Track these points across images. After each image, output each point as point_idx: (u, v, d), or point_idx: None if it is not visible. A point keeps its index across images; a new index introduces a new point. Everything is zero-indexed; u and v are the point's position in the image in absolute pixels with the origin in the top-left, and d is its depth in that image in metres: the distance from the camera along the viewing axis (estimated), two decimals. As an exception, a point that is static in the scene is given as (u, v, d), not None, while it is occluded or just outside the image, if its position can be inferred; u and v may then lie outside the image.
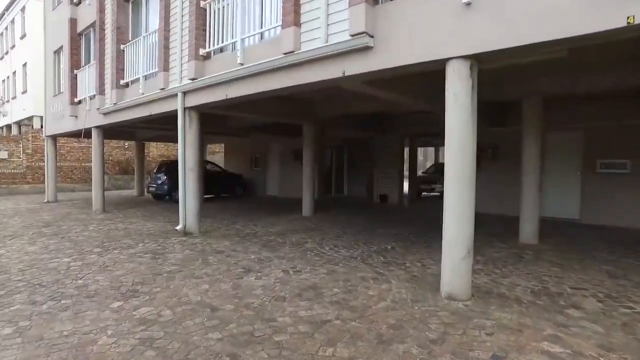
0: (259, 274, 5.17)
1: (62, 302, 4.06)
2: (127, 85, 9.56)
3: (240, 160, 18.91)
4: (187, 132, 7.73)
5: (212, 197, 16.05)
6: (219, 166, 17.03)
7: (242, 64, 6.37)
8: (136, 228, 8.61)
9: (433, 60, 4.38)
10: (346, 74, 5.08)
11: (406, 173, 16.23)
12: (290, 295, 4.33)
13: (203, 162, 14.54)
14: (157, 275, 5.05)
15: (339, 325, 3.56)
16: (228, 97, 6.74)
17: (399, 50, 4.60)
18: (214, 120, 12.64)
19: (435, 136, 16.51)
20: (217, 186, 16.05)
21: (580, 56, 5.75)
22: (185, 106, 7.61)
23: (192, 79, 7.22)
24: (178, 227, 7.83)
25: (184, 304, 4.06)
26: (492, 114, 10.11)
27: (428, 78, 7.32)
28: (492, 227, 8.84)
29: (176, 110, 7.68)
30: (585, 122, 9.81)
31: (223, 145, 21.22)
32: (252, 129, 14.10)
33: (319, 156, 15.42)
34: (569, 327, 3.55)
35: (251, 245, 6.95)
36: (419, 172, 18.95)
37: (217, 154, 27.03)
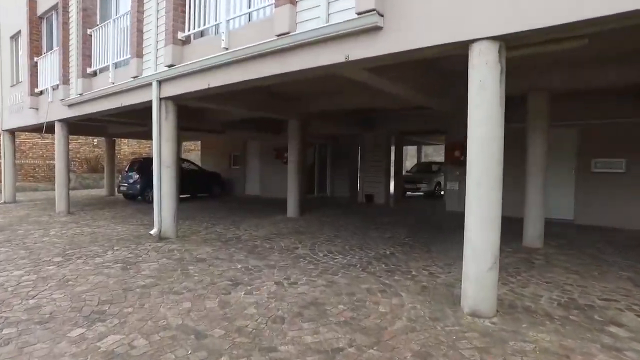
0: (248, 287, 4.48)
1: (4, 332, 3.27)
2: (94, 74, 8.64)
3: (217, 158, 18.03)
4: (163, 126, 6.94)
5: (189, 197, 15.16)
6: (195, 164, 16.13)
7: (226, 49, 5.66)
8: (105, 232, 7.74)
9: (454, 42, 3.80)
10: (350, 59, 4.45)
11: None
12: (290, 315, 3.68)
13: (179, 160, 13.67)
14: (128, 291, 4.29)
15: (354, 355, 2.94)
16: (210, 86, 6.01)
17: (413, 31, 4.00)
18: (190, 115, 11.81)
19: (423, 134, 16.13)
20: (193, 185, 15.18)
21: (600, 46, 5.33)
22: (161, 96, 6.82)
23: (169, 66, 6.45)
24: (152, 232, 7.03)
25: (162, 329, 3.35)
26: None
27: (434, 68, 6.84)
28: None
29: (150, 102, 6.88)
30: (580, 119, 9.53)
31: (199, 143, 20.24)
32: (230, 125, 13.30)
33: (304, 154, 14.76)
34: (621, 351, 3.04)
35: (236, 251, 6.24)
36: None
37: (192, 152, 25.95)
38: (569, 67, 6.37)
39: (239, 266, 5.37)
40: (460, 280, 4.03)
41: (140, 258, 5.69)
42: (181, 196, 14.49)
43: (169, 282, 4.59)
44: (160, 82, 6.75)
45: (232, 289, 4.41)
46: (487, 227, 3.72)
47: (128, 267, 5.22)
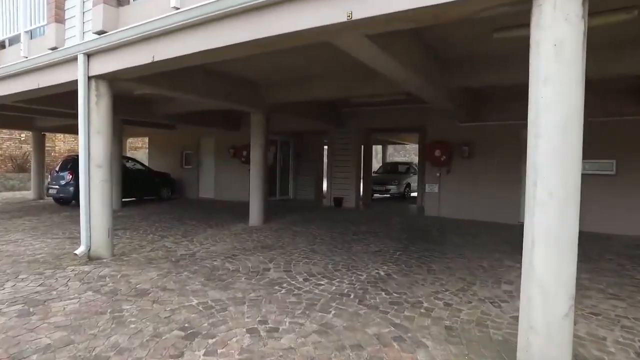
0: (210, 340, 3.11)
1: None
2: (2, 45, 6.81)
3: (167, 156, 16.18)
4: (92, 114, 5.36)
5: (135, 201, 13.30)
6: (141, 163, 14.25)
7: (177, 8, 4.23)
8: (14, 251, 5.99)
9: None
10: (353, 18, 3.21)
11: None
12: (279, 399, 2.36)
13: (121, 158, 11.84)
14: None
15: None
16: (155, 59, 4.54)
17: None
18: (134, 105, 10.10)
19: (397, 132, 15.19)
20: (139, 187, 13.35)
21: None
22: (90, 74, 5.23)
23: (100, 33, 4.90)
24: (78, 251, 5.43)
25: None
26: (464, 107, 8.79)
27: (435, 51, 5.69)
28: (481, 237, 7.49)
29: (76, 81, 5.28)
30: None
31: (147, 139, 18.20)
32: (181, 119, 11.66)
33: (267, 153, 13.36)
34: None
35: (190, 277, 4.80)
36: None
37: (140, 150, 23.68)
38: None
39: (195, 302, 3.96)
40: (491, 316, 2.91)
41: (54, 293, 4.12)
42: (125, 199, 12.73)
43: (90, 338, 3.11)
44: (88, 56, 5.16)
45: (185, 345, 3.02)
46: (562, 257, 2.59)
47: (32, 309, 3.66)
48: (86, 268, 5.06)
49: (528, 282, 2.69)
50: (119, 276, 4.75)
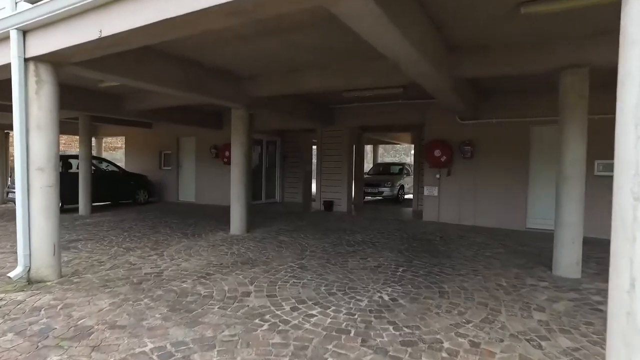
0: (158, 417, 2.19)
1: None
2: None
3: (145, 157, 15.10)
4: (32, 105, 4.37)
5: (109, 205, 12.23)
6: (116, 165, 13.17)
7: (128, -33, 3.29)
8: (-59, 271, 4.96)
9: None
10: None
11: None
12: None
13: (90, 159, 10.79)
14: None
15: None
16: (103, 34, 3.59)
17: None
18: (101, 100, 9.08)
19: (391, 130, 14.37)
20: (113, 190, 12.29)
21: None
22: (28, 56, 4.25)
23: (34, 1, 3.92)
24: (13, 273, 4.43)
25: None
26: (467, 102, 7.99)
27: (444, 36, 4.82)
28: (494, 247, 6.68)
29: (9, 65, 4.29)
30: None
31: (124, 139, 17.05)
32: (156, 116, 10.66)
33: (251, 153, 12.43)
34: None
35: (150, 306, 3.86)
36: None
37: (119, 150, 22.45)
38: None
39: (150, 346, 3.03)
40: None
41: (-39, 337, 3.14)
42: (97, 204, 11.67)
43: (-18, 419, 2.17)
44: (24, 33, 4.18)
45: None
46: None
47: None
48: (20, 296, 4.07)
49: (623, 336, 1.83)
50: (59, 307, 3.78)
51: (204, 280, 4.74)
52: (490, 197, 8.92)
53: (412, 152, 34.82)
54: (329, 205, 11.50)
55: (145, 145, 15.06)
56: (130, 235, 7.51)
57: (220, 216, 9.86)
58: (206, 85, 6.67)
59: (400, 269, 5.35)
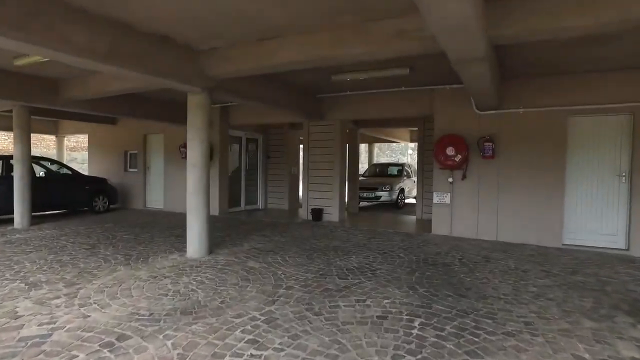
0: None
1: None
2: None
3: (109, 158, 13.20)
4: None
5: (57, 215, 10.34)
6: (68, 167, 11.27)
7: None
8: None
9: None
10: None
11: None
12: None
13: (30, 159, 8.96)
14: None
15: None
16: None
17: None
18: (33, 86, 7.25)
19: (389, 125, 12.59)
20: (64, 197, 10.41)
21: None
22: None
23: None
24: None
25: None
26: (474, 94, 6.27)
27: None
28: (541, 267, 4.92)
29: None
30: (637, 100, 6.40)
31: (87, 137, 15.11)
32: (115, 107, 8.82)
33: (224, 152, 10.60)
34: None
35: None
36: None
37: (77, 152, 20.53)
38: None
39: None
40: None
41: None
42: (41, 213, 9.82)
43: None
44: None
45: None
46: None
47: None
48: None
49: None
50: None
51: (107, 353, 2.93)
52: (517, 206, 7.18)
53: (410, 151, 33.09)
54: (317, 213, 9.70)
55: (109, 145, 13.17)
56: (54, 261, 5.67)
57: (185, 228, 8.03)
58: (142, 57, 4.85)
59: (417, 323, 3.57)
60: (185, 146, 10.97)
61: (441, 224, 7.85)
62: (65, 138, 15.43)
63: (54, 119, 13.58)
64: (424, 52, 4.48)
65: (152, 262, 5.68)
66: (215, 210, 10.67)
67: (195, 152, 5.97)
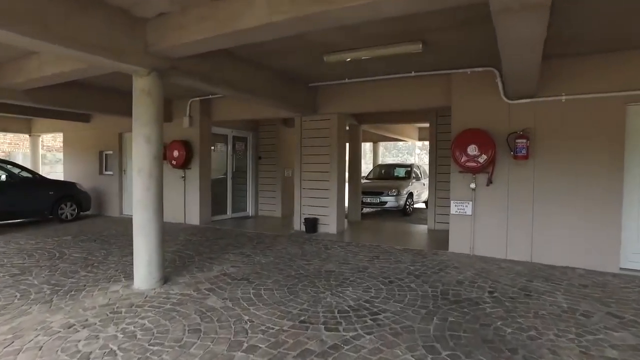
0: None
1: None
2: None
3: (84, 160, 11.86)
4: None
5: (14, 225, 9.02)
6: (28, 170, 9.94)
7: None
8: None
9: None
10: None
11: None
12: None
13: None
14: None
15: None
16: None
17: None
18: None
19: (395, 119, 11.08)
20: (22, 204, 9.05)
21: None
22: None
23: None
24: None
25: None
26: (513, 74, 4.80)
27: None
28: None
29: None
30: None
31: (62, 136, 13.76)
32: (79, 99, 7.47)
33: (205, 152, 9.20)
34: None
35: None
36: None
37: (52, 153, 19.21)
38: None
39: None
40: None
41: None
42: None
43: None
44: None
45: None
46: None
47: None
48: None
49: None
50: None
51: None
52: (558, 220, 5.70)
53: (418, 151, 31.40)
54: (311, 224, 8.26)
55: (83, 144, 11.83)
56: (-44, 295, 4.30)
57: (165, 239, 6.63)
58: (46, 17, 3.43)
59: None
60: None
61: (460, 240, 6.38)
62: (43, 137, 14.08)
63: (27, 117, 12.27)
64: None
65: (83, 298, 4.28)
66: (194, 219, 9.29)
67: (140, 154, 4.57)
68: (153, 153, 4.59)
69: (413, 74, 6.60)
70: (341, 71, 6.77)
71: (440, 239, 7.55)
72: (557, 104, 5.64)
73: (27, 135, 13.85)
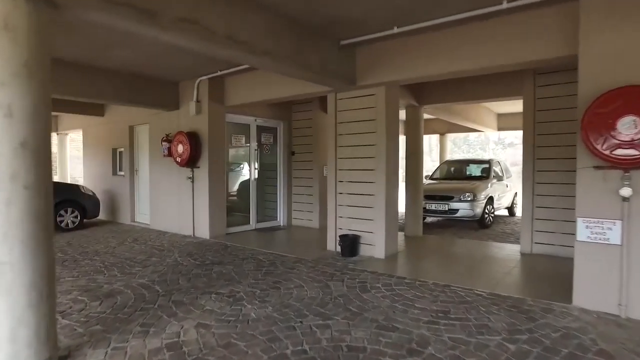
0: None
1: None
2: None
3: (99, 158, 10.46)
4: None
5: None
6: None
7: None
8: None
9: None
10: None
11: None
12: None
13: None
14: None
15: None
16: None
17: None
18: None
19: (476, 94, 8.12)
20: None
21: None
22: None
23: None
24: None
25: None
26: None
27: None
28: None
29: None
30: None
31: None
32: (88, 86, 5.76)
33: (217, 146, 7.18)
34: None
35: None
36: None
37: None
38: None
39: None
40: None
41: None
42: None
43: None
44: None
45: None
46: None
47: None
48: None
49: None
50: None
51: None
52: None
53: (493, 146, 27.35)
54: (349, 244, 5.86)
55: (98, 141, 10.43)
56: None
57: (166, 258, 4.69)
58: None
59: None
60: (167, 139, 7.74)
61: (596, 288, 3.65)
62: (68, 136, 13.03)
63: (56, 113, 11.15)
64: None
65: None
66: (204, 232, 7.29)
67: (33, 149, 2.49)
68: (20, 137, 2.48)
69: (504, 5, 3.98)
70: (386, 14, 4.32)
71: (547, 275, 4.82)
72: None
73: (54, 134, 12.87)
